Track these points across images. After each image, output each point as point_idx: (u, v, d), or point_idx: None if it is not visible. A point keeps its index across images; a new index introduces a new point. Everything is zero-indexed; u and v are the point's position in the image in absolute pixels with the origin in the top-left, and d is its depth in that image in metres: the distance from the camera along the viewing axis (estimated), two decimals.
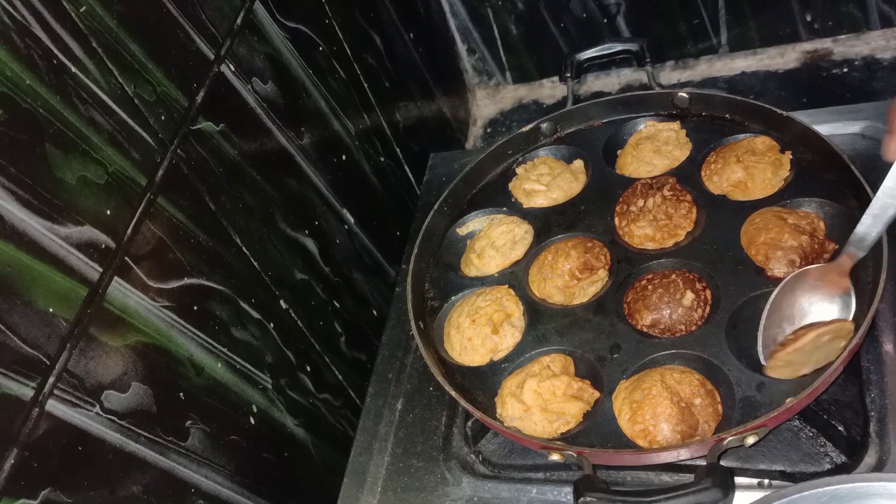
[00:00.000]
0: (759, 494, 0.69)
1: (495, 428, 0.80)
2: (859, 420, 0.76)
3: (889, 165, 0.64)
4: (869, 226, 0.70)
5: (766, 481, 0.75)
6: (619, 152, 1.01)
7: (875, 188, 0.79)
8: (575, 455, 0.73)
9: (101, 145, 0.69)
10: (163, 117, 0.77)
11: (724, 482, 0.66)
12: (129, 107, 0.73)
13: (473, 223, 1.01)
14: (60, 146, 0.65)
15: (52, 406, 0.62)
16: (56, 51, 0.65)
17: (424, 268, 0.97)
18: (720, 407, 0.74)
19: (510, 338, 0.86)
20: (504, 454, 0.87)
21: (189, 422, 0.77)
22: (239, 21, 0.91)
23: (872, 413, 0.75)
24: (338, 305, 1.08)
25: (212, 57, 0.86)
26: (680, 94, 0.99)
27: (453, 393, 0.80)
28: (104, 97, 0.70)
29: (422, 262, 0.96)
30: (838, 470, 0.74)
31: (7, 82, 0.60)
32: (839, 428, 0.76)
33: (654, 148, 0.97)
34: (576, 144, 1.04)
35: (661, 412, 0.73)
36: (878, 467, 0.72)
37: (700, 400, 0.73)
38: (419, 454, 0.90)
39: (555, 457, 0.74)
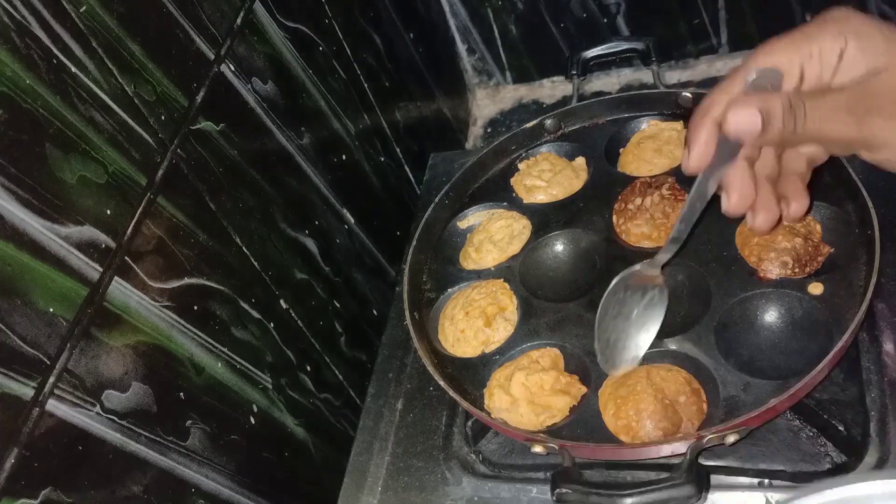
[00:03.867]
0: (758, 494, 0.69)
1: (482, 419, 0.80)
2: (859, 420, 0.76)
3: None
4: (681, 230, 0.70)
5: (767, 481, 0.75)
6: (621, 150, 1.01)
7: (873, 189, 0.79)
8: (557, 447, 0.73)
9: (101, 145, 0.69)
10: (163, 117, 0.77)
11: (699, 479, 0.66)
12: (129, 107, 0.73)
13: (474, 217, 1.01)
14: (60, 146, 0.65)
15: (53, 406, 0.62)
16: (56, 51, 0.65)
17: (423, 259, 0.97)
18: (705, 405, 0.75)
19: (502, 331, 0.87)
20: (504, 454, 0.87)
21: (189, 421, 0.77)
22: (239, 21, 0.91)
23: (873, 413, 0.75)
24: (338, 305, 1.08)
25: (212, 57, 0.86)
26: (683, 93, 0.99)
27: (442, 383, 0.81)
28: (104, 97, 0.70)
29: (420, 254, 0.96)
30: (838, 469, 0.74)
31: (7, 82, 0.60)
32: (839, 428, 0.76)
33: (656, 147, 0.97)
34: (579, 142, 1.04)
35: (644, 408, 0.73)
36: (879, 466, 0.72)
37: (685, 398, 0.74)
38: (419, 454, 0.90)
39: (538, 448, 0.74)
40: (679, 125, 0.99)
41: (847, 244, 0.80)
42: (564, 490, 0.69)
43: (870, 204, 0.78)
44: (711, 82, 1.54)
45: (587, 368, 0.80)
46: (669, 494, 0.65)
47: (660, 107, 1.02)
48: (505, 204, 1.00)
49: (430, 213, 0.98)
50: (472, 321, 0.87)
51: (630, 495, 0.66)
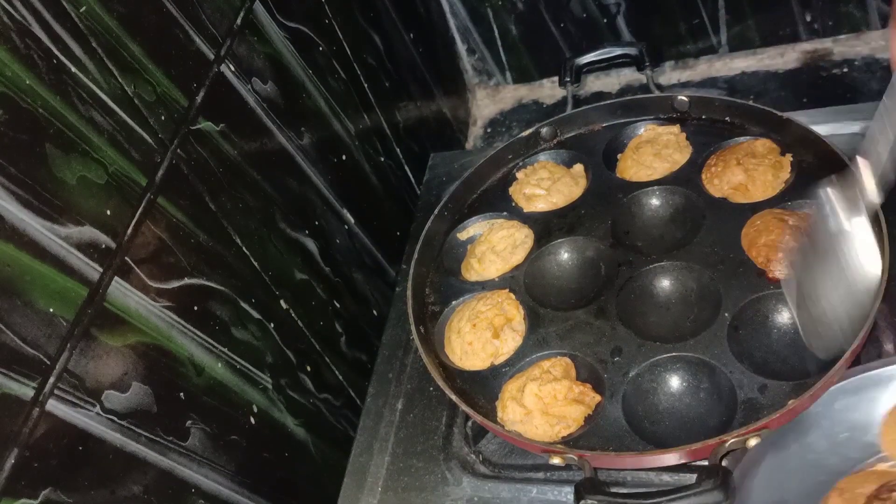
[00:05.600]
0: None
1: (496, 432, 0.80)
2: None
3: None
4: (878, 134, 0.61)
5: None
6: (619, 156, 1.01)
7: None
8: (576, 458, 0.73)
9: (101, 145, 0.69)
10: (163, 117, 0.77)
11: (727, 484, 0.66)
12: (129, 107, 0.73)
13: (474, 228, 1.00)
14: (60, 146, 0.65)
15: (53, 406, 0.62)
16: (56, 51, 0.65)
17: (425, 273, 0.96)
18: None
19: (511, 342, 0.86)
20: (504, 454, 0.87)
21: (189, 422, 0.77)
22: (239, 21, 0.91)
23: None
24: (338, 305, 1.08)
25: (212, 57, 0.86)
26: (679, 97, 0.99)
27: (454, 397, 0.80)
28: (104, 97, 0.70)
29: (422, 268, 0.95)
30: None
31: (7, 82, 0.60)
32: None
33: (655, 151, 0.97)
34: (576, 149, 1.04)
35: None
36: None
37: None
38: (419, 454, 0.90)
39: (556, 460, 0.74)
40: (676, 129, 0.98)
41: None
42: (591, 501, 0.69)
43: None
44: (711, 82, 1.55)
45: (599, 376, 0.80)
46: (700, 500, 0.65)
47: (656, 111, 1.02)
48: (505, 213, 1.00)
49: (430, 226, 0.98)
50: (480, 333, 0.86)
51: (660, 503, 0.66)
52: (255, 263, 0.90)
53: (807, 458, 0.71)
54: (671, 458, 0.72)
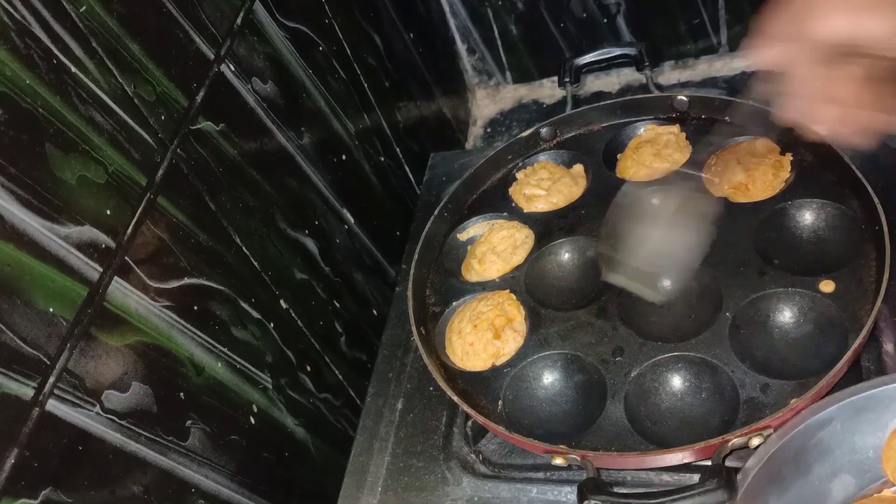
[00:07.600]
0: None
1: (499, 433, 0.80)
2: None
3: None
4: None
5: None
6: (619, 156, 1.01)
7: (875, 188, 0.79)
8: (579, 459, 0.73)
9: (101, 145, 0.69)
10: (163, 117, 0.77)
11: (730, 483, 0.66)
12: (129, 107, 0.73)
13: (474, 228, 1.00)
14: (60, 146, 0.65)
15: (53, 406, 0.62)
16: (56, 51, 0.65)
17: (425, 273, 0.96)
18: None
19: (512, 342, 0.86)
20: (504, 454, 0.87)
21: (189, 421, 0.77)
22: (239, 21, 0.91)
23: None
24: (338, 305, 1.08)
25: (212, 57, 0.86)
26: (679, 97, 0.99)
27: (456, 398, 0.80)
28: (104, 97, 0.70)
29: (422, 268, 0.95)
30: None
31: (7, 82, 0.60)
32: None
33: (654, 151, 0.97)
34: (575, 149, 1.04)
35: None
36: None
37: None
38: (419, 454, 0.90)
39: (558, 461, 0.74)
40: (676, 128, 0.98)
41: (854, 241, 0.80)
42: (594, 501, 0.68)
43: (876, 200, 0.78)
44: (711, 82, 1.54)
45: (602, 377, 0.80)
46: (703, 500, 0.65)
47: (655, 111, 1.02)
48: (505, 214, 1.00)
49: (430, 226, 0.97)
50: (481, 334, 0.86)
51: (664, 503, 0.66)
52: (255, 263, 0.90)
53: (811, 486, 0.69)
54: (674, 457, 0.72)
